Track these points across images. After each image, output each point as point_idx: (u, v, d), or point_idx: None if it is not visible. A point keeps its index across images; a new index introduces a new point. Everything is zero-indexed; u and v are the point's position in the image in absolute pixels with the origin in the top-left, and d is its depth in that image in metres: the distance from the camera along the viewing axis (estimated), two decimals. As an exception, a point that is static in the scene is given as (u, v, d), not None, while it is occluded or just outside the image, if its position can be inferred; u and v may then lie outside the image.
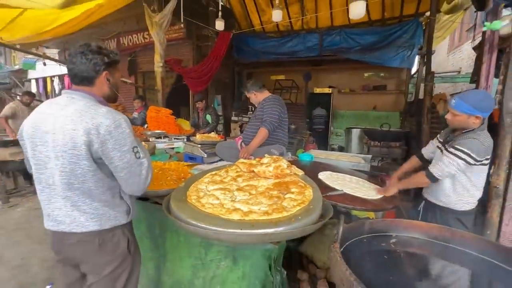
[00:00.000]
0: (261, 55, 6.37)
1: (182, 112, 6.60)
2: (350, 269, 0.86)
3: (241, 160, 1.76)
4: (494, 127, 1.97)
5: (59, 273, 1.24)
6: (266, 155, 1.74)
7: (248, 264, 1.21)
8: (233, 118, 6.51)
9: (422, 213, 1.82)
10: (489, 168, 1.86)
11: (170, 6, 4.12)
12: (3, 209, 3.78)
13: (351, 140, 5.86)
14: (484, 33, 2.02)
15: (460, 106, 1.51)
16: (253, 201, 1.24)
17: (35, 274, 2.32)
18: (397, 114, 6.29)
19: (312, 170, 2.03)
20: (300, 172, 1.61)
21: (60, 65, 6.27)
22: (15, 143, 3.77)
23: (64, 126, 0.99)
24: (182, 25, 5.18)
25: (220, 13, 4.43)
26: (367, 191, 1.75)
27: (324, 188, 1.68)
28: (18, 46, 5.28)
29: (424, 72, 4.73)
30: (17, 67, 11.82)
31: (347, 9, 3.14)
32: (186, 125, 4.60)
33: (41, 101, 4.22)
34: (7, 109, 4.54)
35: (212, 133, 3.51)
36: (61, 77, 9.37)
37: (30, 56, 7.14)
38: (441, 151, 1.69)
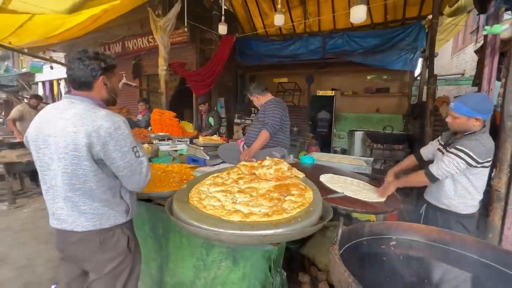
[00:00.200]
0: (264, 58, 6.41)
1: (185, 115, 6.66)
2: (349, 271, 0.88)
3: (243, 162, 1.78)
4: (497, 129, 1.97)
5: (63, 271, 1.29)
6: (267, 157, 1.76)
7: (248, 265, 1.22)
8: (236, 120, 6.54)
9: (424, 216, 1.81)
10: (490, 171, 1.86)
11: (174, 11, 4.19)
12: (9, 210, 3.85)
13: (354, 143, 5.86)
14: (485, 36, 2.03)
15: (460, 109, 1.53)
16: (253, 203, 1.26)
17: (40, 274, 2.36)
18: (400, 116, 6.27)
19: (313, 173, 2.04)
20: (301, 175, 1.63)
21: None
22: (22, 145, 3.85)
23: (65, 129, 1.03)
24: (186, 29, 5.24)
25: (223, 17, 4.48)
26: (368, 193, 1.75)
27: (325, 190, 1.69)
28: (26, 50, 5.40)
29: (427, 74, 4.72)
30: (24, 70, 12.04)
31: (349, 13, 3.16)
32: (189, 127, 4.64)
33: (48, 104, 4.30)
34: (14, 111, 4.64)
35: (215, 135, 3.54)
36: (67, 80, 9.52)
37: (37, 59, 7.29)
38: (442, 153, 1.69)
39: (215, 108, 5.87)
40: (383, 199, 1.67)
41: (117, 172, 1.12)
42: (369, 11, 5.41)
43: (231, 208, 1.21)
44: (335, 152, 6.33)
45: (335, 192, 1.69)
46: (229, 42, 5.26)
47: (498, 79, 2.15)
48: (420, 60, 5.37)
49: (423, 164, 1.88)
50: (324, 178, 1.94)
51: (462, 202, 1.63)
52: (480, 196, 1.63)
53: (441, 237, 1.25)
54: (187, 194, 1.38)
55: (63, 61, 7.02)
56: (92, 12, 3.72)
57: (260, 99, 2.62)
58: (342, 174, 2.14)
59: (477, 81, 2.58)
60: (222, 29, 4.43)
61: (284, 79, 7.57)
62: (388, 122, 5.65)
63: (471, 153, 1.47)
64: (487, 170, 1.57)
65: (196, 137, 3.57)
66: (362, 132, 5.76)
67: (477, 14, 2.74)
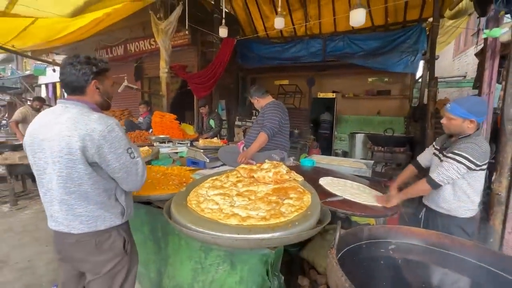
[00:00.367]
0: (265, 60, 6.43)
1: (186, 117, 6.69)
2: (346, 275, 0.87)
3: (242, 165, 1.78)
4: (498, 132, 1.96)
5: (60, 271, 1.30)
6: (266, 160, 1.76)
7: (246, 268, 1.22)
8: (237, 122, 6.55)
9: (424, 220, 1.80)
10: (490, 175, 1.85)
11: (176, 14, 4.23)
12: (11, 211, 3.87)
13: (355, 145, 5.84)
14: (486, 39, 2.03)
15: (455, 110, 1.54)
16: (251, 206, 1.26)
17: (40, 276, 2.37)
18: (401, 119, 6.25)
19: (313, 176, 2.04)
20: (300, 178, 1.62)
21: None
22: (24, 147, 3.87)
23: (59, 133, 1.04)
24: (187, 32, 5.28)
25: (224, 20, 4.51)
26: (368, 197, 1.75)
27: (324, 193, 1.69)
28: (29, 53, 5.46)
29: (428, 77, 4.71)
30: (28, 72, 12.16)
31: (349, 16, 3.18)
32: (190, 130, 4.66)
33: (51, 106, 4.33)
34: (17, 114, 4.68)
35: (215, 138, 3.55)
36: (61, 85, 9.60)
37: (41, 62, 7.36)
38: (439, 158, 1.70)
39: (216, 111, 5.88)
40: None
41: (113, 174, 1.13)
42: (369, 13, 5.44)
43: (229, 212, 1.21)
44: (336, 154, 6.32)
45: (334, 195, 1.68)
46: (230, 44, 5.29)
47: (499, 82, 2.15)
48: (421, 63, 5.36)
49: (423, 172, 1.88)
50: (324, 181, 1.93)
51: (461, 206, 1.62)
52: (478, 199, 1.63)
53: (441, 241, 1.24)
54: (185, 197, 1.38)
55: (66, 63, 7.07)
56: (95, 15, 3.76)
57: (260, 102, 2.63)
58: (341, 177, 2.14)
59: (477, 84, 2.57)
60: (223, 32, 4.46)
61: (285, 82, 7.59)
62: (389, 125, 5.63)
63: (470, 157, 1.47)
64: (484, 173, 1.58)
65: (197, 139, 3.58)
66: (363, 134, 5.74)
67: (478, 17, 2.73)
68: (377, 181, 2.38)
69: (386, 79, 6.60)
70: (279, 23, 4.01)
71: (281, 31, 6.38)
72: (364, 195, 1.76)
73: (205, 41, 5.91)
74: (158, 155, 2.87)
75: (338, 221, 1.13)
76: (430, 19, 4.63)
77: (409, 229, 1.31)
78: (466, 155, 1.48)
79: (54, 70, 7.71)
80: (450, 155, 1.54)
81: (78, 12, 3.26)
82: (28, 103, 5.30)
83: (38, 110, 4.78)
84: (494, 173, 1.87)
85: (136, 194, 1.60)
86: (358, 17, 2.93)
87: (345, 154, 6.20)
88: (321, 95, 7.03)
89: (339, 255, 1.07)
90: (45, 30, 4.12)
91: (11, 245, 2.90)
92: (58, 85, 10.40)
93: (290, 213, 1.20)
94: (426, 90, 4.80)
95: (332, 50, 5.75)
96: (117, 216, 1.19)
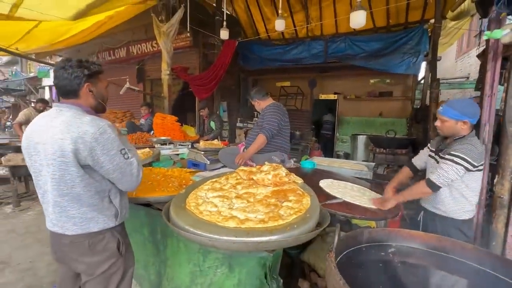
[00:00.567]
0: (267, 62, 6.44)
1: (188, 119, 6.71)
2: (345, 279, 0.87)
3: (242, 167, 1.78)
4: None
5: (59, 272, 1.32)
6: (266, 162, 1.76)
7: (244, 271, 1.22)
8: (238, 124, 6.56)
9: (422, 223, 1.80)
10: (493, 177, 1.84)
11: (177, 16, 4.25)
12: (14, 213, 3.90)
13: (357, 147, 5.82)
14: (487, 41, 2.01)
15: (448, 112, 1.58)
16: (250, 208, 1.26)
17: (41, 277, 2.38)
18: (403, 120, 6.22)
19: (313, 178, 2.03)
20: (299, 180, 1.62)
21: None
22: (28, 148, 3.90)
23: (53, 136, 1.06)
24: (188, 34, 5.31)
25: (225, 22, 4.53)
26: (368, 199, 1.74)
27: (324, 196, 1.68)
28: (33, 56, 5.52)
29: (430, 78, 4.69)
30: (32, 74, 12.29)
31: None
32: (191, 131, 4.67)
33: (53, 108, 4.37)
34: (21, 115, 4.73)
35: (215, 140, 3.55)
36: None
37: (44, 64, 7.44)
38: (435, 160, 1.70)
39: (217, 112, 5.90)
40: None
41: (107, 175, 1.14)
42: (371, 15, 5.43)
43: (227, 214, 1.21)
44: (338, 156, 6.29)
45: (334, 197, 1.68)
46: (231, 46, 5.31)
47: (501, 83, 2.13)
48: (423, 64, 5.34)
49: (418, 174, 1.90)
50: (324, 183, 1.92)
51: (459, 207, 1.63)
52: (476, 200, 1.64)
53: (441, 244, 1.23)
54: (184, 199, 1.38)
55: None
56: (97, 18, 3.80)
57: (261, 104, 2.63)
58: (342, 179, 2.13)
59: (479, 85, 2.55)
60: (224, 34, 4.48)
61: (287, 83, 7.59)
62: (391, 126, 5.60)
63: (467, 158, 1.49)
64: (481, 174, 1.59)
65: (198, 141, 3.59)
66: (365, 136, 5.72)
67: (480, 18, 2.72)
68: (378, 184, 2.36)
69: (388, 81, 6.58)
70: (279, 25, 4.01)
71: (282, 32, 6.39)
72: (364, 198, 1.74)
73: (206, 43, 5.94)
74: (159, 156, 2.88)
75: (337, 224, 1.12)
76: (432, 21, 4.62)
77: (409, 232, 1.30)
78: (464, 156, 1.49)
79: (57, 72, 7.78)
80: (447, 156, 1.54)
81: (80, 15, 3.30)
82: (32, 105, 5.35)
83: (41, 112, 4.81)
84: (496, 176, 1.86)
85: (135, 196, 1.60)
86: (358, 19, 2.92)
87: (347, 156, 6.17)
88: (323, 96, 7.02)
89: (339, 258, 1.07)
90: (48, 33, 4.17)
91: (14, 246, 2.92)
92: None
93: (289, 216, 1.19)
94: (428, 91, 4.78)
95: (334, 52, 5.74)
96: (111, 218, 1.19)
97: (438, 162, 1.65)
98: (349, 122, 7.02)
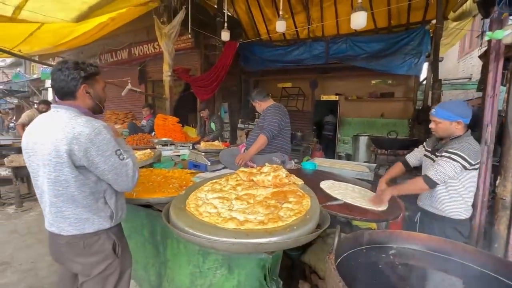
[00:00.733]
0: (268, 63, 6.45)
1: (190, 120, 6.72)
2: (345, 281, 0.86)
3: (242, 168, 1.78)
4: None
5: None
6: (266, 163, 1.76)
7: (243, 273, 1.22)
8: (239, 125, 6.56)
9: (419, 223, 1.80)
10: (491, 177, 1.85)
11: (179, 18, 4.27)
12: (17, 213, 3.93)
13: (359, 148, 5.79)
14: (489, 41, 2.00)
15: (441, 113, 1.62)
16: (250, 210, 1.26)
17: (42, 277, 2.39)
18: (405, 121, 6.19)
19: (314, 179, 2.03)
20: (300, 181, 1.62)
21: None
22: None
23: (49, 137, 1.07)
24: (190, 36, 5.33)
25: (226, 24, 4.54)
26: (368, 201, 1.73)
27: (324, 197, 1.67)
28: (36, 58, 5.57)
29: (432, 79, 4.67)
30: (35, 76, 12.38)
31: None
32: (192, 132, 4.68)
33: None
34: (24, 117, 4.76)
35: (216, 141, 3.55)
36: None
37: (47, 66, 7.49)
38: (432, 159, 1.72)
39: (218, 113, 5.90)
40: (384, 207, 1.64)
41: (102, 176, 1.14)
42: (372, 16, 5.42)
43: (227, 215, 1.21)
44: (340, 157, 6.27)
45: (335, 199, 1.67)
46: (232, 47, 5.32)
47: (503, 84, 2.12)
48: (425, 65, 5.32)
49: (410, 171, 1.94)
50: (325, 185, 1.92)
51: (456, 206, 1.64)
52: (471, 199, 1.65)
53: (442, 246, 1.22)
54: (184, 200, 1.38)
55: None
56: (99, 20, 3.83)
57: (262, 105, 2.64)
58: (343, 181, 2.12)
59: (481, 86, 2.54)
60: (225, 35, 4.49)
61: (288, 84, 7.58)
62: (393, 127, 5.58)
63: (464, 156, 1.51)
64: (477, 172, 1.62)
65: (199, 142, 3.59)
66: (366, 137, 5.70)
67: (482, 19, 2.70)
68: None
69: (389, 82, 6.55)
70: (280, 26, 4.02)
71: (283, 34, 6.40)
72: (365, 199, 1.74)
73: (208, 45, 5.96)
74: (160, 157, 2.89)
75: (337, 226, 1.11)
76: (434, 21, 4.60)
77: (410, 234, 1.29)
78: (461, 154, 1.51)
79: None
80: (445, 154, 1.57)
81: (83, 17, 3.32)
82: (35, 106, 5.39)
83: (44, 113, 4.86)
84: (498, 177, 1.84)
85: (136, 197, 1.61)
86: (359, 20, 2.92)
87: (348, 157, 6.15)
88: (324, 97, 7.01)
89: (339, 260, 1.06)
90: (51, 35, 4.21)
91: (16, 247, 2.93)
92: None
93: (289, 217, 1.19)
94: (430, 92, 4.75)
95: (335, 53, 5.74)
96: (106, 220, 1.20)
97: (434, 161, 1.67)
98: (350, 123, 7.00)
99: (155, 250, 1.72)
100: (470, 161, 1.52)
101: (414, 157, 1.92)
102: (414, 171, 1.90)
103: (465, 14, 4.25)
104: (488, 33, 1.77)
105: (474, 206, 1.94)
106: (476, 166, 1.57)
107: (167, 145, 3.37)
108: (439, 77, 4.65)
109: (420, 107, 5.85)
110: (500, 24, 1.89)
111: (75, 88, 1.16)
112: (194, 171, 2.45)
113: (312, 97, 7.26)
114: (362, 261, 1.17)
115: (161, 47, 4.50)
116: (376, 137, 5.39)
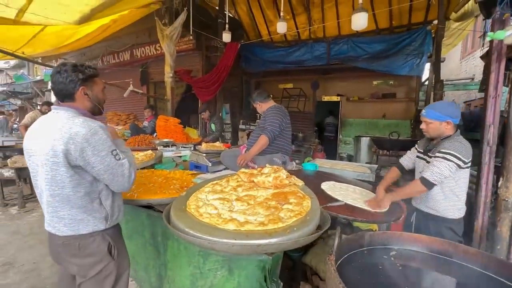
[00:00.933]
0: (269, 64, 6.45)
1: (191, 121, 6.74)
2: (345, 282, 0.86)
3: (243, 169, 1.79)
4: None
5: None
6: (267, 164, 1.76)
7: (243, 274, 1.21)
8: (241, 126, 6.57)
9: (415, 224, 1.81)
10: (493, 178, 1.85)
11: (180, 19, 4.29)
12: (19, 214, 3.95)
13: (360, 149, 5.78)
14: (491, 41, 1.99)
15: (431, 114, 1.65)
16: (250, 211, 1.26)
17: (44, 278, 2.40)
18: (407, 122, 6.17)
19: (315, 180, 2.03)
20: (300, 183, 1.62)
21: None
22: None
23: (47, 137, 1.09)
24: (191, 37, 5.35)
25: (228, 25, 4.56)
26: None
27: (325, 198, 1.67)
28: (39, 59, 5.62)
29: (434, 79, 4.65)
30: (38, 77, 12.48)
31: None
32: (193, 133, 4.69)
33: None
34: (26, 118, 4.81)
35: (217, 142, 3.56)
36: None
37: (50, 68, 7.55)
38: (425, 160, 1.74)
39: (220, 114, 5.91)
40: (385, 209, 1.64)
41: (98, 176, 1.15)
42: (374, 16, 5.41)
43: (227, 217, 1.21)
44: (341, 158, 6.25)
45: (336, 200, 1.67)
46: (234, 49, 5.33)
47: (505, 84, 2.10)
48: (427, 65, 5.30)
49: (406, 175, 1.96)
50: (326, 186, 1.92)
51: (450, 205, 1.65)
52: (465, 197, 1.67)
53: (444, 248, 1.21)
54: (185, 201, 1.39)
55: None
56: (102, 22, 3.85)
57: (262, 106, 2.64)
58: (344, 182, 2.12)
59: (483, 86, 2.52)
60: (226, 37, 4.51)
61: (289, 85, 7.58)
62: (395, 128, 5.56)
63: (458, 155, 1.53)
64: (469, 170, 1.64)
65: (200, 143, 3.60)
66: (368, 138, 5.68)
67: (484, 19, 2.69)
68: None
69: (391, 82, 6.53)
70: (281, 27, 4.03)
71: (285, 35, 6.40)
72: (365, 203, 1.73)
73: (209, 46, 5.98)
74: (161, 158, 2.90)
75: (338, 227, 1.11)
76: (435, 22, 4.58)
77: (411, 235, 1.29)
78: (454, 153, 1.53)
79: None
80: (438, 154, 1.58)
81: (85, 19, 3.34)
82: (38, 107, 5.43)
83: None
84: (501, 178, 1.83)
85: (136, 198, 1.61)
86: (360, 21, 2.92)
87: (350, 158, 6.13)
88: (326, 98, 7.00)
89: (339, 262, 1.06)
90: (54, 37, 4.24)
91: (18, 247, 2.95)
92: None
93: (289, 219, 1.19)
94: (432, 93, 4.73)
95: (336, 54, 5.73)
96: (101, 221, 1.20)
97: (428, 162, 1.69)
98: (352, 124, 6.98)
99: (156, 251, 1.72)
100: (463, 159, 1.54)
101: (407, 159, 1.93)
102: (409, 174, 1.91)
103: (467, 14, 4.23)
104: (490, 33, 1.76)
105: (476, 207, 1.94)
106: (469, 164, 1.59)
107: (168, 146, 3.38)
108: (441, 78, 4.63)
109: (422, 108, 5.83)
110: (501, 24, 1.88)
111: (73, 90, 1.18)
112: (195, 172, 2.46)
113: (314, 98, 7.25)
114: (362, 262, 1.17)
115: (163, 49, 4.52)
116: (378, 138, 5.37)
